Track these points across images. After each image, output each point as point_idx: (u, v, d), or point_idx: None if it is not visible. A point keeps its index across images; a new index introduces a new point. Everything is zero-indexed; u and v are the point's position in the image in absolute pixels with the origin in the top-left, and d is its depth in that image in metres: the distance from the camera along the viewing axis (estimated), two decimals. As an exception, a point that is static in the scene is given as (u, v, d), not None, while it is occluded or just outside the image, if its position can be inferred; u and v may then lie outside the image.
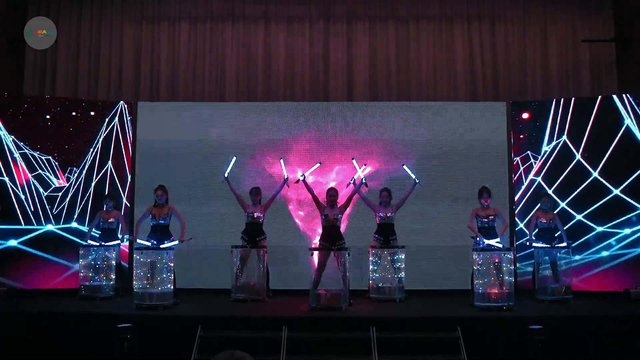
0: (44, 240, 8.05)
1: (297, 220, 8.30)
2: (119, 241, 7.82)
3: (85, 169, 8.30)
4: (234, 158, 7.78)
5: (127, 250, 8.10)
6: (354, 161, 7.85)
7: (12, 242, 7.94)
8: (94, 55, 8.83)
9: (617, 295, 7.47)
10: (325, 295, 6.62)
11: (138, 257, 6.90)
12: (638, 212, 7.76)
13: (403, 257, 7.37)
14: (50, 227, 8.12)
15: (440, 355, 5.52)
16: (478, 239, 7.13)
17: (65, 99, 8.46)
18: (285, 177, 7.67)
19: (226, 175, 7.58)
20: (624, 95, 7.96)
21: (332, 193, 7.31)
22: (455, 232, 8.09)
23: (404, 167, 7.89)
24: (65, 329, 5.95)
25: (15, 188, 8.02)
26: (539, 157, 8.26)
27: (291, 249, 8.14)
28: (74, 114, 8.41)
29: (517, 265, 7.90)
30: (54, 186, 8.21)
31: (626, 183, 7.81)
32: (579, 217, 7.97)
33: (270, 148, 8.34)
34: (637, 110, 7.88)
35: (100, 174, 8.31)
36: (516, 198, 8.26)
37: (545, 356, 5.39)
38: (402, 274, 7.28)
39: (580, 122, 8.07)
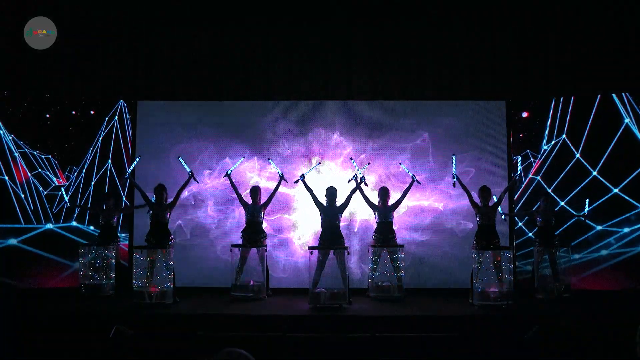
0: (43, 239, 8.06)
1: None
2: (118, 240, 7.85)
3: (85, 167, 8.31)
4: (242, 158, 7.94)
5: (126, 248, 8.11)
6: (352, 161, 7.86)
7: (12, 241, 7.96)
8: (94, 54, 8.82)
9: (616, 294, 7.48)
10: (324, 294, 6.64)
11: (138, 255, 6.93)
12: (637, 210, 7.78)
13: (402, 255, 7.38)
14: (50, 225, 8.13)
15: (439, 354, 5.52)
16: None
17: (64, 98, 8.46)
18: (280, 174, 7.69)
19: (229, 172, 7.61)
20: (623, 94, 7.97)
21: (332, 192, 7.32)
22: (454, 231, 8.11)
23: (401, 165, 7.94)
24: (64, 328, 5.96)
25: (15, 187, 8.03)
26: (539, 156, 8.27)
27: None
28: (73, 112, 8.42)
29: (517, 263, 7.92)
30: (53, 185, 8.23)
31: (626, 182, 7.82)
32: (578, 216, 7.97)
33: (271, 147, 8.33)
34: (637, 108, 7.89)
35: (100, 173, 8.32)
36: (515, 197, 8.27)
37: (544, 355, 5.40)
38: (402, 273, 7.29)
39: (580, 121, 8.08)
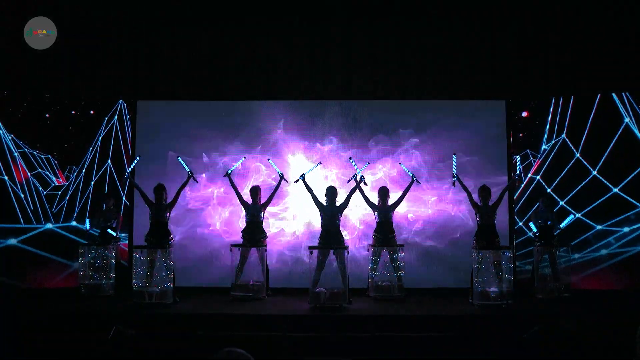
0: (43, 239, 8.06)
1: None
2: (118, 239, 7.85)
3: (85, 167, 8.31)
4: (243, 158, 7.99)
5: (126, 248, 8.11)
6: (351, 161, 7.86)
7: (12, 241, 7.96)
8: (94, 54, 8.82)
9: (616, 294, 7.48)
10: (324, 293, 6.64)
11: (137, 255, 6.92)
12: (637, 210, 7.78)
13: (402, 255, 7.38)
14: (49, 225, 8.14)
15: (439, 354, 5.52)
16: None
17: (64, 98, 8.47)
18: (280, 173, 7.69)
19: (229, 172, 7.62)
20: (623, 94, 7.97)
21: (332, 191, 7.31)
22: (454, 230, 8.10)
23: (400, 165, 7.94)
24: (64, 328, 5.96)
25: (14, 187, 8.04)
26: (539, 156, 8.27)
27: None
28: (73, 112, 8.43)
29: (517, 263, 7.92)
30: (53, 185, 8.23)
31: (625, 181, 7.82)
32: (578, 215, 7.98)
33: (271, 147, 8.32)
34: (637, 108, 7.89)
35: (100, 173, 8.33)
36: (515, 197, 8.27)
37: (544, 355, 5.40)
38: (402, 272, 7.29)
39: (580, 121, 8.08)
